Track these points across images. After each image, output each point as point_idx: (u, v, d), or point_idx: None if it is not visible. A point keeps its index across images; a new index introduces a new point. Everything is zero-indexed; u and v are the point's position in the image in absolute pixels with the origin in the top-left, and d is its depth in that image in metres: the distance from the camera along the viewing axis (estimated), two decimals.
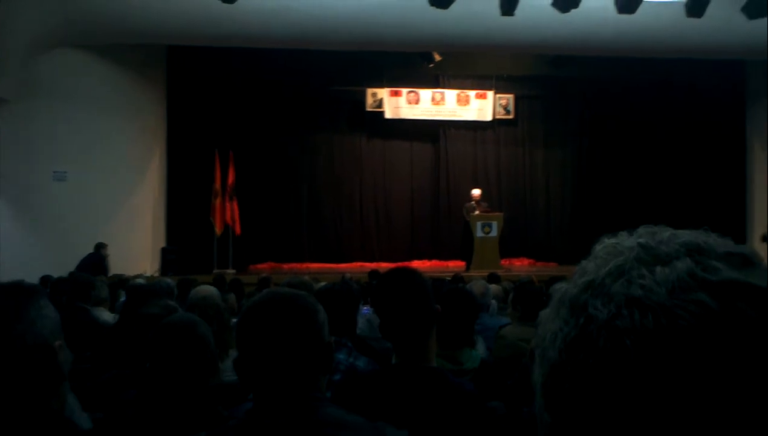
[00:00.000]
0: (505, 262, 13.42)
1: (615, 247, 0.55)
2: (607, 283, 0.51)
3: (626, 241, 0.55)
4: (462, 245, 13.41)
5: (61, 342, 1.39)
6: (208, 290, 3.89)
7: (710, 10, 10.34)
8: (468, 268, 12.57)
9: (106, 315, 5.33)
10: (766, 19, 10.43)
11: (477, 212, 12.97)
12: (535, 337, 0.57)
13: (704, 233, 0.54)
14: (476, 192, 13.27)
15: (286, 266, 14.26)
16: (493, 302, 5.56)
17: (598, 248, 0.56)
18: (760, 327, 0.47)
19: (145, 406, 2.02)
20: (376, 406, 1.93)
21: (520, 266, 14.61)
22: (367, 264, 13.99)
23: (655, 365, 0.47)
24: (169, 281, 5.47)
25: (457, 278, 8.56)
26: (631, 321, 0.48)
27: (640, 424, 0.47)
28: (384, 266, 13.14)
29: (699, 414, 0.46)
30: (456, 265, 13.67)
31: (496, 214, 13.25)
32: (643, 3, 10.30)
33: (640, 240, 0.54)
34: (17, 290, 1.40)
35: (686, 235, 0.54)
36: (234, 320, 4.17)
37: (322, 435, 1.38)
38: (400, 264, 14.32)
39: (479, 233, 12.72)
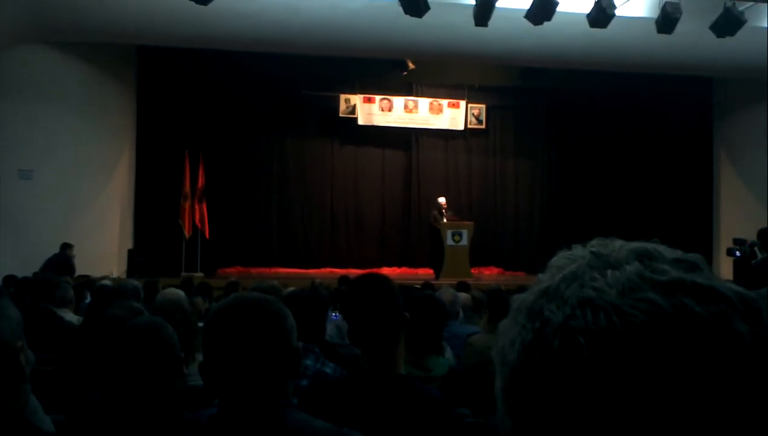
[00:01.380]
0: (474, 270, 13.45)
1: (568, 257, 0.57)
2: (561, 288, 0.53)
3: (579, 251, 0.58)
4: (430, 253, 13.43)
5: (23, 343, 1.36)
6: (175, 293, 3.85)
7: (680, 27, 10.51)
8: (438, 276, 12.59)
9: (71, 316, 5.25)
10: (733, 37, 10.65)
11: (445, 221, 13.00)
12: (495, 347, 0.59)
13: (654, 243, 0.56)
14: (442, 200, 13.31)
15: (254, 271, 14.17)
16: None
17: (553, 260, 0.59)
18: (707, 323, 0.49)
19: (108, 409, 1.99)
20: (343, 412, 1.92)
21: (490, 275, 14.69)
22: (337, 270, 13.95)
23: (608, 362, 0.48)
24: (136, 282, 5.41)
25: (427, 286, 8.57)
26: (584, 321, 0.50)
27: (596, 420, 0.48)
28: (354, 272, 13.10)
29: (651, 407, 0.47)
30: (426, 273, 13.69)
31: (467, 222, 13.30)
32: (614, 18, 10.43)
33: (592, 249, 0.57)
34: None
35: (636, 244, 0.56)
36: (201, 323, 4.14)
37: None
38: (369, 270, 14.32)
39: (449, 242, 12.75)
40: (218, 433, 1.39)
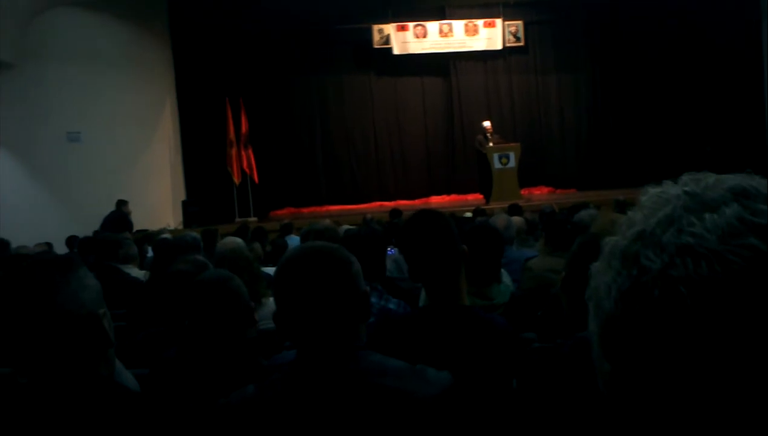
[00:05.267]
0: (524, 191, 13.34)
1: (660, 196, 0.55)
2: (657, 233, 0.52)
3: (671, 189, 0.56)
4: (479, 178, 13.34)
5: (105, 309, 1.42)
6: (235, 241, 3.92)
7: None
8: (488, 200, 12.54)
9: (136, 272, 5.40)
10: None
11: (491, 144, 12.86)
12: (588, 288, 0.58)
13: (748, 176, 0.54)
14: (487, 124, 13.13)
15: (305, 211, 14.33)
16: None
17: (644, 198, 0.57)
18: None
19: (188, 362, 2.07)
20: (412, 347, 1.96)
21: (540, 194, 14.57)
22: (386, 203, 14.02)
23: (712, 312, 0.47)
24: (195, 234, 5.52)
25: (479, 212, 8.56)
26: (685, 270, 0.49)
27: (699, 370, 0.48)
28: (402, 203, 13.16)
29: (757, 358, 0.46)
30: (475, 198, 13.65)
31: (513, 144, 13.12)
32: None
33: (686, 188, 0.55)
34: (56, 262, 1.42)
35: (731, 179, 0.54)
36: (263, 269, 4.22)
37: (366, 383, 1.41)
38: (418, 201, 14.33)
39: (497, 165, 12.63)
40: (298, 379, 1.44)
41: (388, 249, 5.15)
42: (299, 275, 1.45)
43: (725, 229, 0.49)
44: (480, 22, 15.02)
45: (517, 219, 6.05)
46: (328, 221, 6.47)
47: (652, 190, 0.57)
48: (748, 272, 0.48)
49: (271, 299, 3.51)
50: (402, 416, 1.39)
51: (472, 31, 15.04)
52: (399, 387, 1.41)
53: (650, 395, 0.51)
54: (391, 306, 2.84)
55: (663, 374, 0.50)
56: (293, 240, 7.34)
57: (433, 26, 14.94)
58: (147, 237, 9.02)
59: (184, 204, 13.31)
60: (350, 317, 1.48)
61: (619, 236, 0.56)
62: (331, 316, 1.45)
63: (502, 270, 3.81)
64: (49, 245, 8.78)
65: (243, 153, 13.67)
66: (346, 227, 5.86)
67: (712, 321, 0.47)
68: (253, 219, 12.93)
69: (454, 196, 14.96)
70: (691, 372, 0.48)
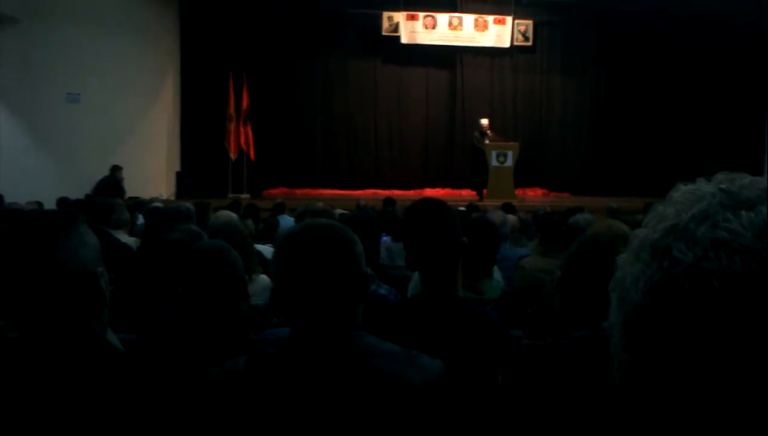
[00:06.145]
0: (518, 191, 13.33)
1: (694, 192, 0.55)
2: (691, 227, 0.52)
3: (705, 186, 0.56)
4: (472, 174, 13.30)
5: (102, 269, 1.40)
6: (229, 215, 3.90)
7: None
8: (480, 197, 12.54)
9: (126, 238, 5.37)
10: None
11: (486, 142, 12.83)
12: (613, 280, 0.58)
13: None
14: (485, 122, 13.11)
15: (299, 192, 14.28)
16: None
17: (676, 194, 0.57)
18: None
19: (178, 330, 2.06)
20: (403, 334, 1.95)
21: (534, 195, 14.57)
22: (381, 191, 13.98)
23: (744, 307, 0.47)
24: (188, 205, 5.49)
25: (472, 208, 8.56)
26: (719, 264, 0.49)
27: (726, 363, 0.48)
28: (396, 193, 13.14)
29: None
30: (469, 194, 13.63)
31: (512, 143, 13.11)
32: None
33: (722, 185, 0.55)
34: (58, 217, 1.40)
35: (766, 181, 0.54)
36: (255, 245, 4.20)
37: (359, 364, 1.40)
38: (412, 192, 14.28)
39: (494, 163, 12.62)
40: (291, 355, 1.43)
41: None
42: (303, 251, 1.44)
43: (762, 227, 0.50)
44: (490, 18, 14.99)
45: (511, 217, 6.06)
46: (321, 204, 6.47)
47: (685, 187, 0.57)
48: None
49: (262, 276, 3.51)
50: (394, 399, 1.38)
51: (481, 27, 15.00)
52: (393, 371, 1.40)
53: (671, 387, 0.51)
54: (383, 292, 2.84)
55: (688, 366, 0.50)
56: (286, 220, 7.32)
57: (443, 18, 14.90)
58: (138, 205, 8.96)
59: (179, 175, 13.26)
60: (350, 297, 1.47)
61: (649, 229, 0.56)
62: (331, 294, 1.44)
63: (495, 267, 3.81)
64: (39, 203, 8.72)
65: (241, 129, 13.61)
66: (339, 211, 5.84)
67: (743, 316, 0.47)
68: (245, 196, 12.88)
69: (448, 190, 14.92)
70: (718, 365, 0.48)
